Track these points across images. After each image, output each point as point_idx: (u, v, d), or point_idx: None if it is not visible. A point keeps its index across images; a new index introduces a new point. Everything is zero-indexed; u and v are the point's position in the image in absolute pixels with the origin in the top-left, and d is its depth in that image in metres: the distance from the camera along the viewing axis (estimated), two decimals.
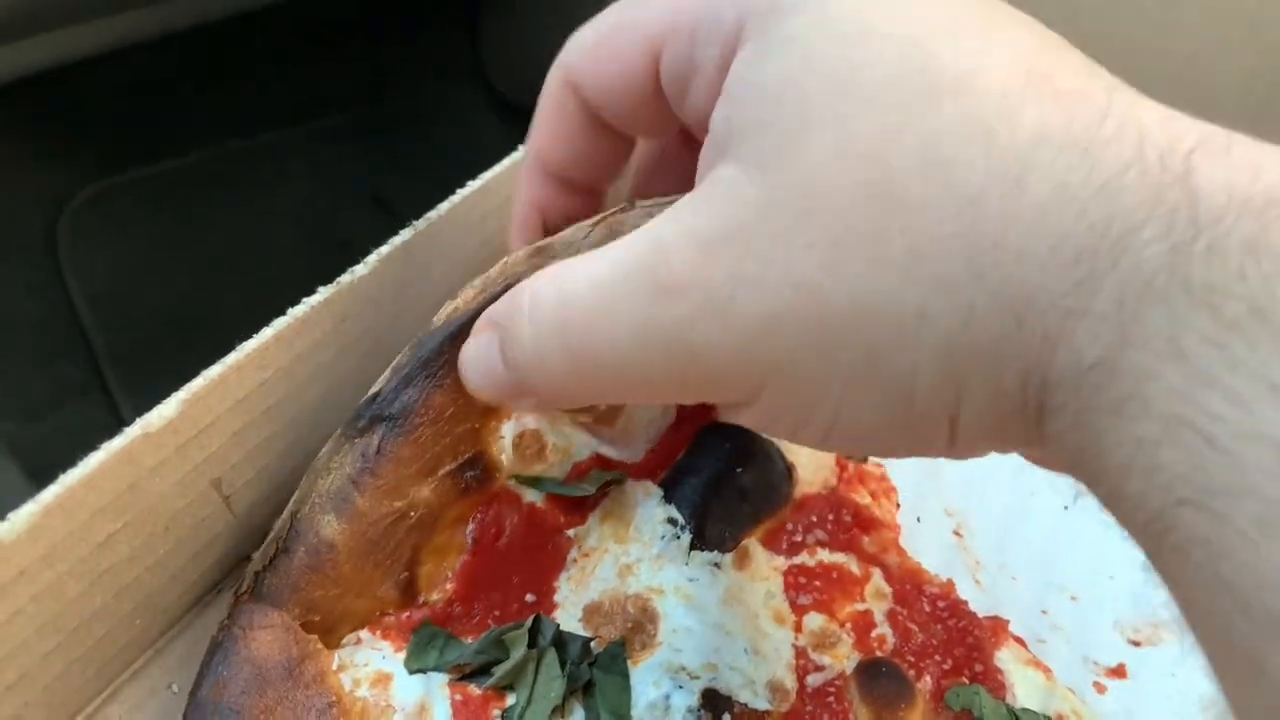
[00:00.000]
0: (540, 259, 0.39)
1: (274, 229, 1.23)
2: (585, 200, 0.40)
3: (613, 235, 0.38)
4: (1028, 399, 0.24)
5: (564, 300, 0.29)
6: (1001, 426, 0.25)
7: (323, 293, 0.39)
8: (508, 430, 0.43)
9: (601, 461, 0.44)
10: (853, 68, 0.25)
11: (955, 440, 0.26)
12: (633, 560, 0.42)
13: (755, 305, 0.25)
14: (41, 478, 0.33)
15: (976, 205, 0.23)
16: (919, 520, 0.52)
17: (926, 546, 0.51)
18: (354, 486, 0.39)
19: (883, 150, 0.24)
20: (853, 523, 0.45)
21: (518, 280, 0.39)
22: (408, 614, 0.40)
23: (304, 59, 1.29)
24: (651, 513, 0.43)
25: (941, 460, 0.54)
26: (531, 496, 0.42)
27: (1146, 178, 0.22)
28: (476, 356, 0.34)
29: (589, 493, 0.42)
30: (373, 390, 0.40)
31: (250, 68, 1.26)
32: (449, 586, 0.40)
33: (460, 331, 0.40)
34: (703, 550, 0.42)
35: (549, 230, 0.40)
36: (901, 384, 0.25)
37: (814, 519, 0.45)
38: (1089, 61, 0.25)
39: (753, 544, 0.43)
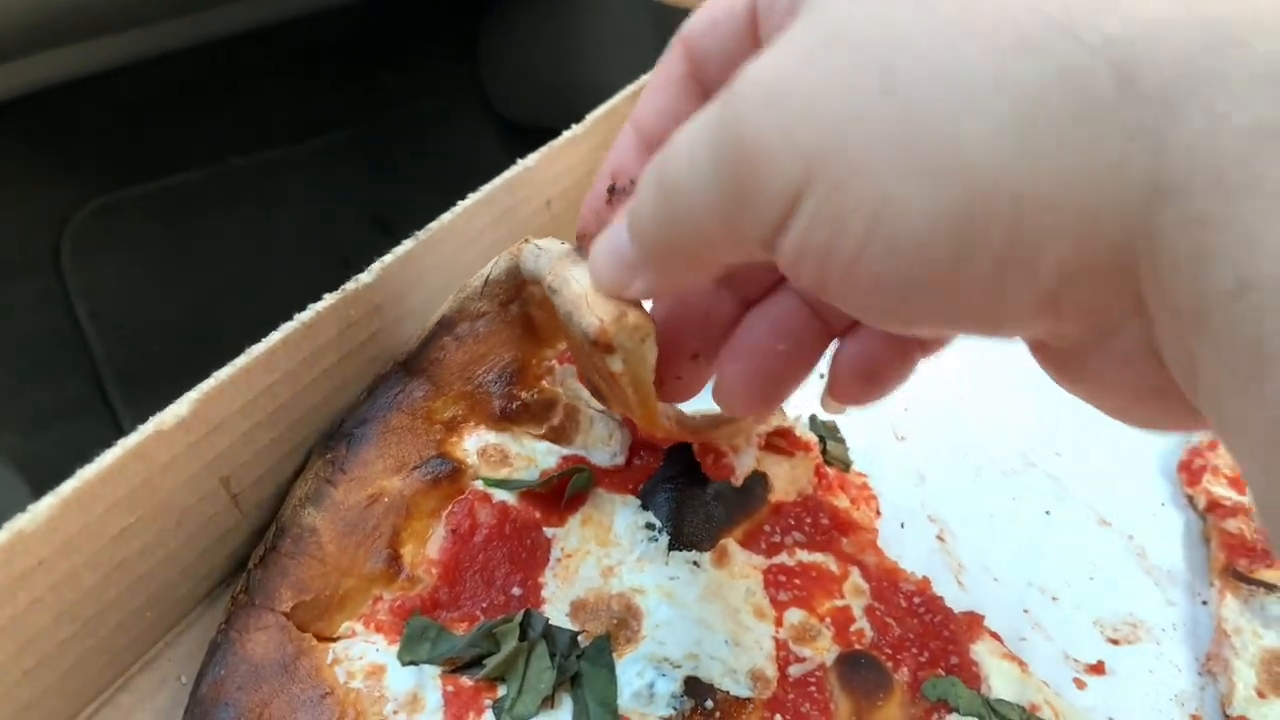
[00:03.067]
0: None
1: (275, 246, 1.25)
2: None
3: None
4: (1131, 171, 0.20)
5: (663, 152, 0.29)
6: (1080, 224, 0.21)
7: (328, 299, 0.41)
8: (471, 444, 0.45)
9: (570, 463, 0.46)
10: None
11: (1011, 256, 0.22)
12: (614, 562, 0.44)
13: (813, 82, 0.24)
14: (44, 490, 0.35)
15: None
16: (902, 526, 0.54)
17: (910, 551, 0.53)
18: (328, 484, 0.43)
19: None
20: (830, 525, 0.47)
21: (457, 314, 0.46)
22: (399, 599, 0.41)
23: (305, 78, 1.31)
24: (630, 519, 0.45)
25: (925, 468, 0.57)
26: (503, 496, 0.45)
27: None
28: (606, 246, 0.34)
29: (552, 477, 0.45)
30: (338, 421, 0.45)
31: (252, 86, 1.28)
32: (434, 571, 0.42)
33: (407, 362, 0.46)
34: (681, 550, 0.44)
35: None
36: (963, 156, 0.22)
37: (791, 522, 0.47)
38: None
39: (731, 544, 0.45)
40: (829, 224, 0.24)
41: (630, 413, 0.42)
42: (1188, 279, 0.20)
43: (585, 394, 0.47)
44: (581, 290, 0.36)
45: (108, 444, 0.36)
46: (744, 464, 0.47)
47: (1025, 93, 0.21)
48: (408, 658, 0.40)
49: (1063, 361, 0.27)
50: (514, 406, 0.46)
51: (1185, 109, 0.19)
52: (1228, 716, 0.46)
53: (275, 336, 0.40)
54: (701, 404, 0.46)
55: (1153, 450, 0.58)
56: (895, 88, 0.22)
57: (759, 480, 0.47)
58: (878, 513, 0.53)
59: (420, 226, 0.46)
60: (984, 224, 0.22)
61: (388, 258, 0.44)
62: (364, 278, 0.43)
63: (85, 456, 0.36)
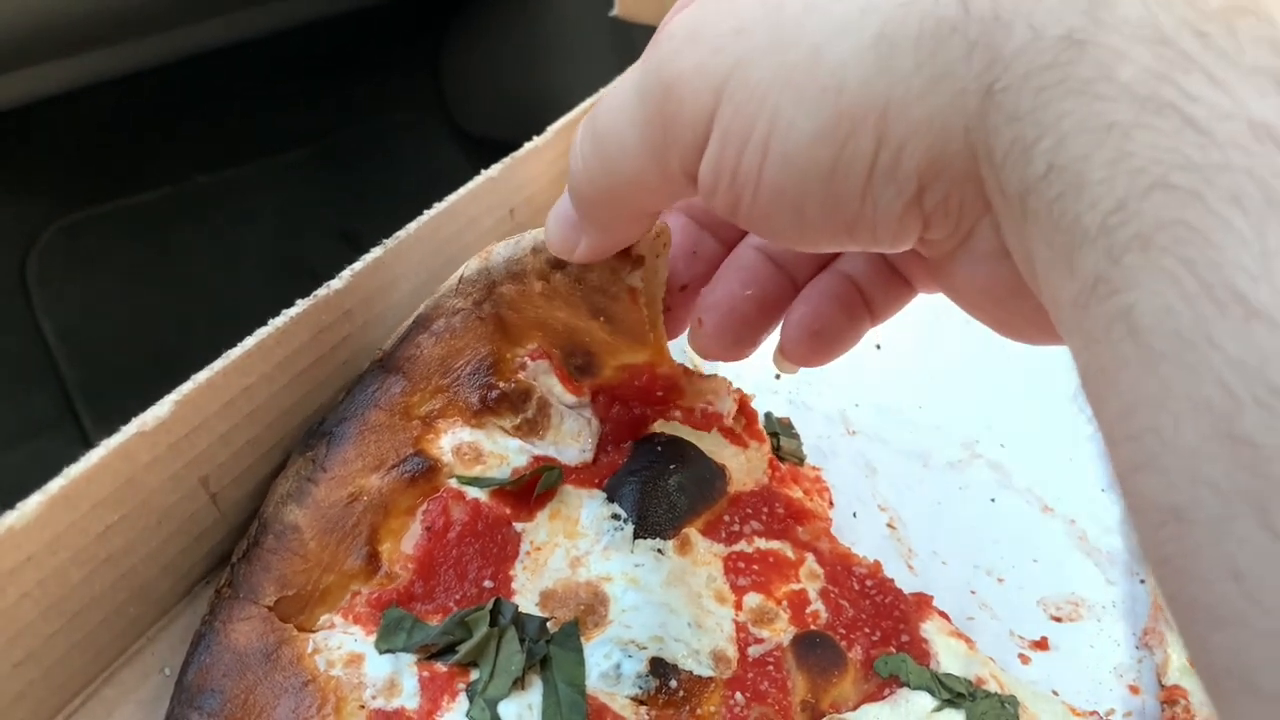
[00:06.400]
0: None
1: (242, 261, 1.26)
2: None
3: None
4: (970, 78, 0.24)
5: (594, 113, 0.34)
6: (932, 128, 0.25)
7: (301, 304, 0.43)
8: (446, 442, 0.47)
9: (540, 462, 0.48)
10: None
11: (879, 161, 0.26)
12: (582, 553, 0.46)
13: (722, 24, 0.28)
14: (13, 508, 0.36)
15: None
16: (855, 515, 0.57)
17: (862, 538, 0.55)
18: (310, 482, 0.45)
19: None
20: (786, 514, 0.50)
21: (433, 311, 0.49)
22: (376, 593, 0.43)
23: (270, 95, 1.32)
24: (596, 511, 0.47)
25: (876, 461, 0.59)
26: (475, 493, 0.46)
27: None
28: (554, 213, 0.39)
29: (523, 476, 0.47)
30: (318, 420, 0.47)
31: (216, 104, 1.29)
32: (410, 566, 0.44)
33: (384, 360, 0.48)
34: (646, 539, 0.46)
35: None
36: (835, 76, 0.26)
37: (749, 511, 0.49)
38: None
39: (693, 533, 0.48)
40: (735, 142, 0.28)
41: (640, 344, 0.45)
42: (1014, 169, 0.23)
43: (557, 389, 0.49)
44: None
45: (76, 461, 0.37)
46: (726, 407, 0.51)
47: (885, 18, 0.25)
48: (385, 646, 0.42)
49: (939, 270, 0.31)
50: (493, 396, 0.48)
51: (1014, 25, 0.23)
52: (1163, 686, 0.49)
53: (250, 341, 0.42)
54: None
55: (1093, 440, 0.61)
56: (782, 23, 0.27)
57: (718, 473, 0.50)
58: (830, 503, 0.56)
59: (386, 238, 0.49)
60: (855, 135, 0.26)
61: (357, 264, 0.46)
62: (335, 284, 0.45)
63: (54, 474, 0.37)
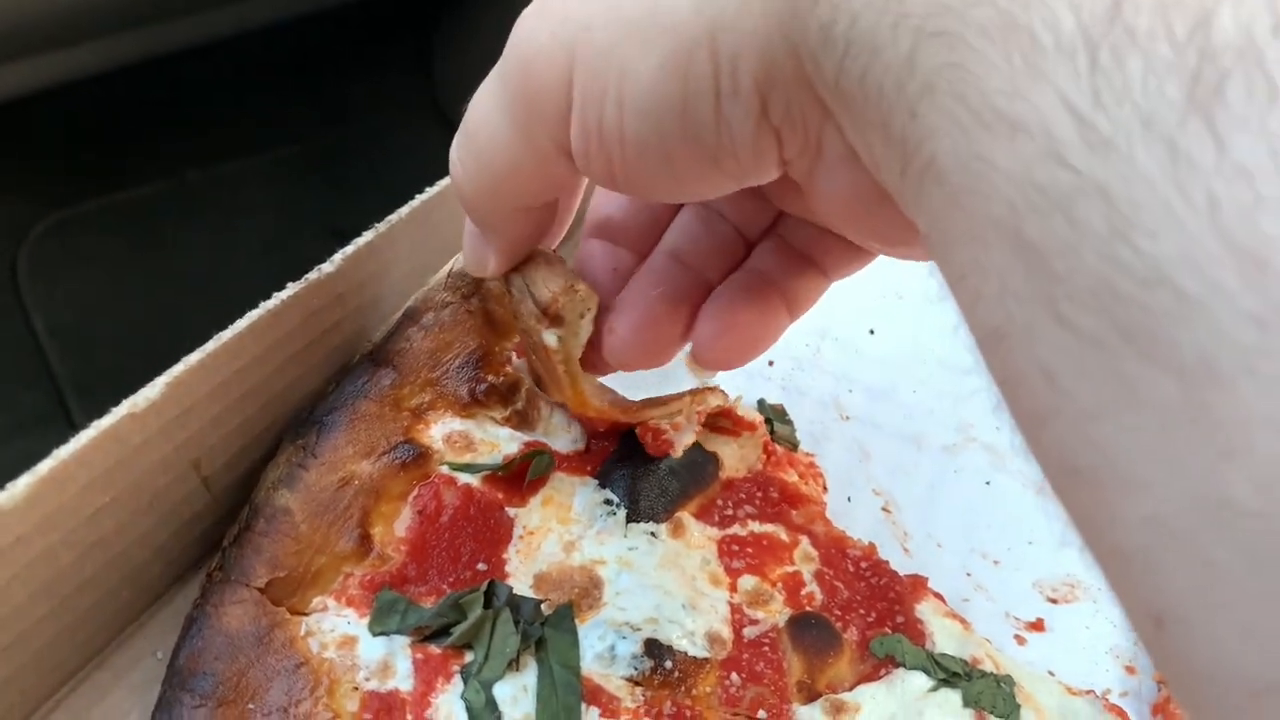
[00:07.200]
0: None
1: (233, 258, 1.25)
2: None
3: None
4: None
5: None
6: (757, 38, 0.26)
7: (292, 288, 0.43)
8: (437, 431, 0.47)
9: (531, 448, 0.48)
10: None
11: (721, 83, 0.27)
12: (575, 537, 0.46)
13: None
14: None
15: None
16: (849, 500, 0.57)
17: (857, 522, 0.55)
18: (300, 468, 0.45)
19: None
20: (780, 498, 0.50)
21: (422, 305, 0.49)
22: (369, 575, 0.43)
23: (262, 91, 1.32)
24: (589, 497, 0.47)
25: (870, 445, 0.59)
26: (467, 479, 0.46)
27: None
28: (465, 232, 0.40)
29: (514, 460, 0.47)
30: (308, 409, 0.47)
31: (209, 100, 1.29)
32: (403, 549, 0.44)
33: (373, 353, 0.48)
34: (638, 522, 0.46)
35: None
36: (670, 13, 0.27)
37: (743, 496, 0.49)
38: None
39: (686, 517, 0.47)
40: (594, 102, 0.29)
41: (561, 393, 0.44)
42: (826, 59, 0.24)
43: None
44: (536, 265, 0.39)
45: None
46: (683, 440, 0.48)
47: None
48: (378, 629, 0.42)
49: (809, 196, 0.31)
50: (481, 389, 0.48)
51: None
52: None
53: (242, 323, 0.42)
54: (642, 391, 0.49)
55: None
56: None
57: (710, 459, 0.49)
58: (825, 488, 0.55)
59: None
60: (693, 62, 0.27)
61: (349, 249, 0.46)
62: (326, 268, 0.45)
63: None
